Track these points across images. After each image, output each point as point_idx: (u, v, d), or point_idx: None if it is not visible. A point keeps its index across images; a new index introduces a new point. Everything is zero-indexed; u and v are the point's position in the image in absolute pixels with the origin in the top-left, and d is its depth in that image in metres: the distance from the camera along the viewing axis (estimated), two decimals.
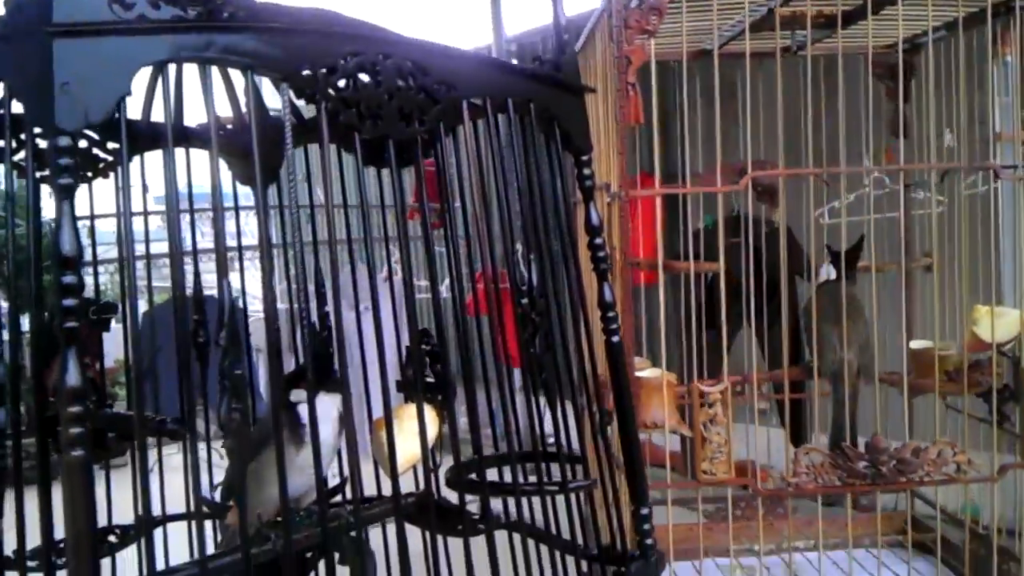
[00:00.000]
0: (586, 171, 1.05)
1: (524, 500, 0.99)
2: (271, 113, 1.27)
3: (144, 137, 1.20)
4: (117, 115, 0.71)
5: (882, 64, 1.95)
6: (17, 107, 0.78)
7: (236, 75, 1.27)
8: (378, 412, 0.97)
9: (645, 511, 1.10)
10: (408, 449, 1.12)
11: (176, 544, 1.27)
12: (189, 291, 1.25)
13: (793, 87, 1.84)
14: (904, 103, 1.93)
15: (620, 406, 1.09)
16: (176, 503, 1.31)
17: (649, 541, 1.10)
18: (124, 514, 1.28)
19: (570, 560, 1.09)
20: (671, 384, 1.80)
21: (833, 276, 2.00)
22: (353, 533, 1.19)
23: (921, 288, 2.15)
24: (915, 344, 2.05)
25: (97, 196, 1.28)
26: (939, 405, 1.90)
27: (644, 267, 2.13)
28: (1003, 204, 1.97)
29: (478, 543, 1.00)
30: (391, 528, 1.17)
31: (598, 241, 1.06)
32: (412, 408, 1.11)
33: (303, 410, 0.89)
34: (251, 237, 3.42)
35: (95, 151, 1.18)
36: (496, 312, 0.96)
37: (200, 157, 1.32)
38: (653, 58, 1.83)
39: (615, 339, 1.08)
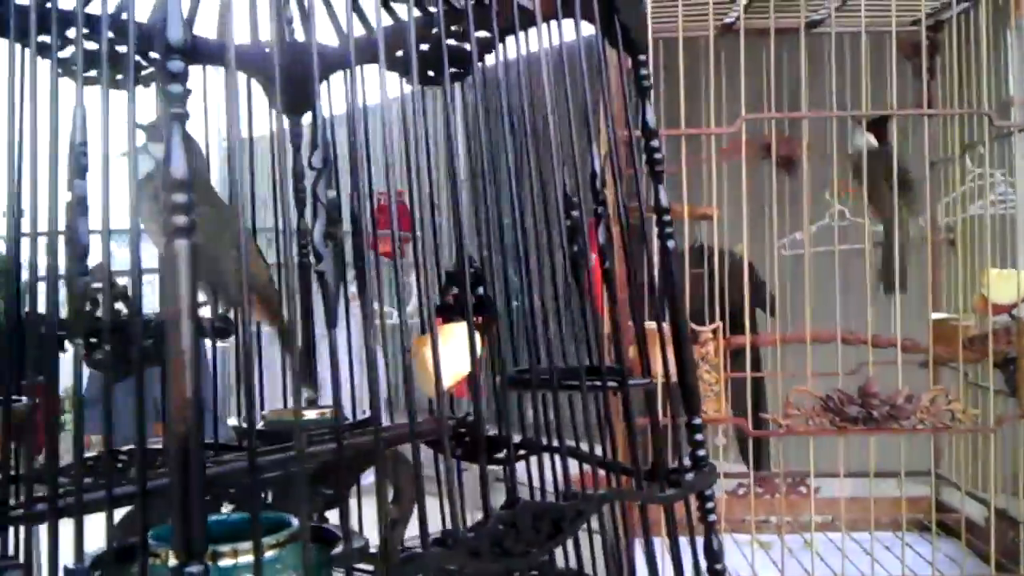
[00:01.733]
0: (643, 71, 1.05)
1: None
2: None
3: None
4: None
5: (907, 42, 1.98)
6: None
7: None
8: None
9: (697, 421, 1.08)
10: (452, 368, 1.10)
11: None
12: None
13: (817, 64, 1.85)
14: (929, 80, 1.96)
15: (673, 313, 1.08)
16: None
17: (702, 452, 1.07)
18: None
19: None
20: None
21: (874, 143, 2.01)
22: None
23: (946, 261, 2.17)
24: (935, 316, 2.06)
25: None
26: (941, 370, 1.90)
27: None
28: (1017, 165, 1.99)
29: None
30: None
31: (654, 143, 1.06)
32: (454, 327, 1.10)
33: None
34: None
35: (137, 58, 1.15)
36: None
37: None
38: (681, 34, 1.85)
39: (670, 243, 1.07)
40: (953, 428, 1.81)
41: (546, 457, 0.97)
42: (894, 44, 1.83)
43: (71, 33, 0.94)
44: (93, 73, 1.08)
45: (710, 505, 1.08)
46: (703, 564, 1.07)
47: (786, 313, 2.03)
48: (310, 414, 1.33)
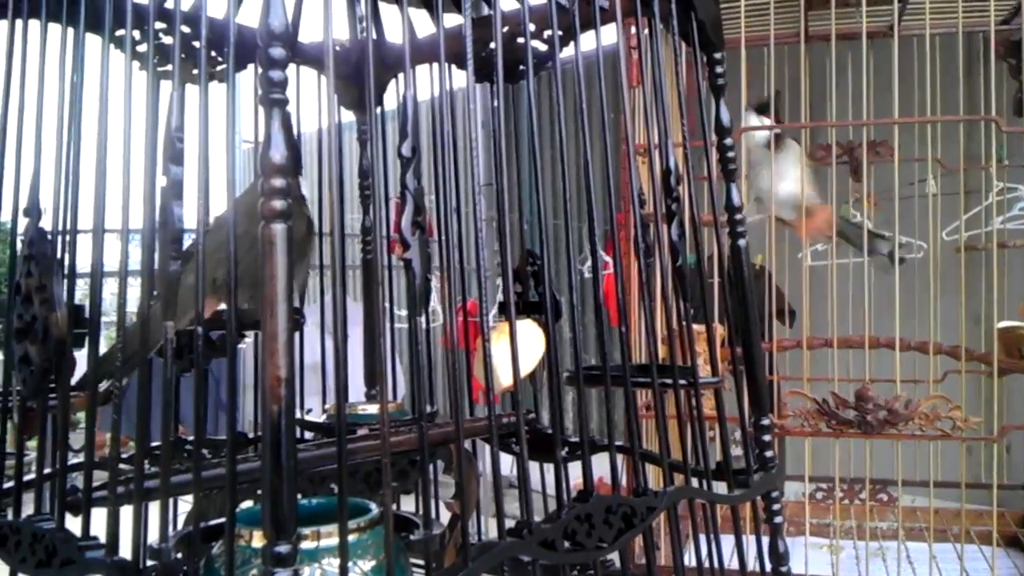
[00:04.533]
0: (718, 69, 1.05)
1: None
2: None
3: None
4: None
5: (1003, 42, 1.95)
6: None
7: None
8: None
9: (766, 421, 1.07)
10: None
11: None
12: None
13: (906, 68, 1.84)
14: None
15: (741, 310, 1.07)
16: None
17: (769, 453, 1.07)
18: None
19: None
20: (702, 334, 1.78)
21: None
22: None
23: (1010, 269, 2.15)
24: (1002, 324, 2.04)
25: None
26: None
27: None
28: None
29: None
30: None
31: (727, 142, 1.05)
32: (518, 325, 1.10)
33: None
34: None
35: (213, 53, 1.17)
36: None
37: (309, 77, 1.32)
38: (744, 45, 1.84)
39: (741, 243, 1.06)
40: (953, 436, 1.79)
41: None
42: (966, 44, 1.80)
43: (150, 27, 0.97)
44: (168, 67, 1.10)
45: (776, 507, 1.07)
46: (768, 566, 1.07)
47: (811, 323, 2.03)
48: (371, 408, 1.34)
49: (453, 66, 1.15)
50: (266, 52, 0.61)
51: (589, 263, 1.06)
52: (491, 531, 0.86)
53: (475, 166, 0.80)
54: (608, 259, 2.59)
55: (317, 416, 1.36)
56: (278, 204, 0.60)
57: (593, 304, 0.91)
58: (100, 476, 0.79)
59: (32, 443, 0.87)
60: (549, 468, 1.13)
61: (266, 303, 0.59)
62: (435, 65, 1.20)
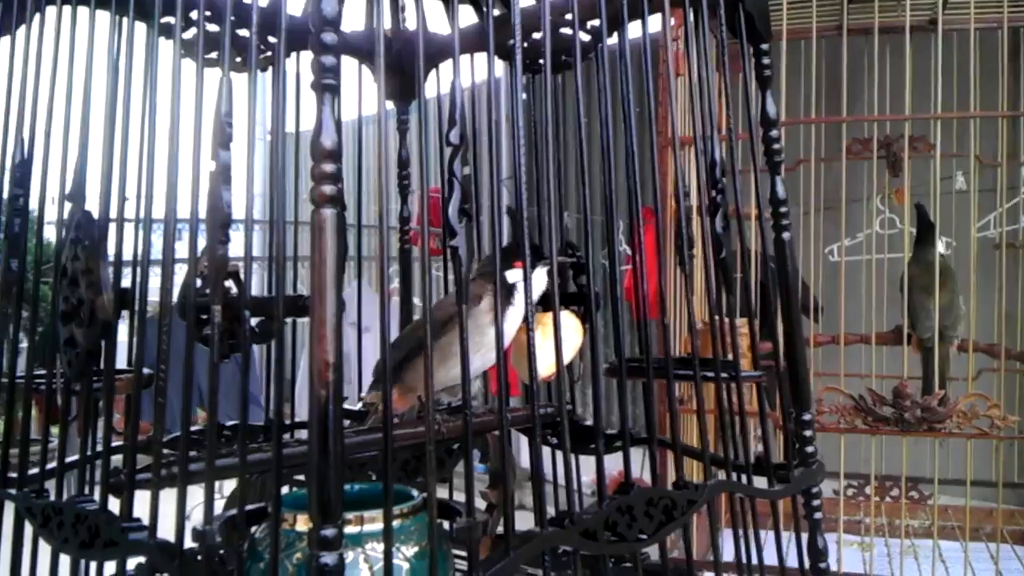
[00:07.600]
0: (764, 60, 1.04)
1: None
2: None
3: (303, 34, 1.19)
4: None
5: None
6: None
7: None
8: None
9: (807, 416, 1.06)
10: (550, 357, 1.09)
11: None
12: None
13: (947, 62, 1.82)
14: None
15: (785, 303, 1.06)
16: None
17: (810, 448, 1.06)
18: None
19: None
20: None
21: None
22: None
23: None
24: None
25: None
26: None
27: None
28: None
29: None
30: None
31: (773, 133, 1.04)
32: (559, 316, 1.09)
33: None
34: None
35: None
36: None
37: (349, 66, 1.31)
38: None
39: (785, 235, 1.05)
40: (990, 435, 1.77)
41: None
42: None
43: (196, 15, 0.97)
44: (214, 55, 1.10)
45: (816, 503, 1.06)
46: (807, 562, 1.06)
47: (845, 319, 2.03)
48: None
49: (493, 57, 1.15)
50: (318, 38, 0.61)
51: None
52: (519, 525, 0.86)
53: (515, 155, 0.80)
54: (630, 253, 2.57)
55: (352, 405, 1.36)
56: (328, 189, 0.60)
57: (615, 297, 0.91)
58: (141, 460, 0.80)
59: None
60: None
61: (314, 289, 0.59)
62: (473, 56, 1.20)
